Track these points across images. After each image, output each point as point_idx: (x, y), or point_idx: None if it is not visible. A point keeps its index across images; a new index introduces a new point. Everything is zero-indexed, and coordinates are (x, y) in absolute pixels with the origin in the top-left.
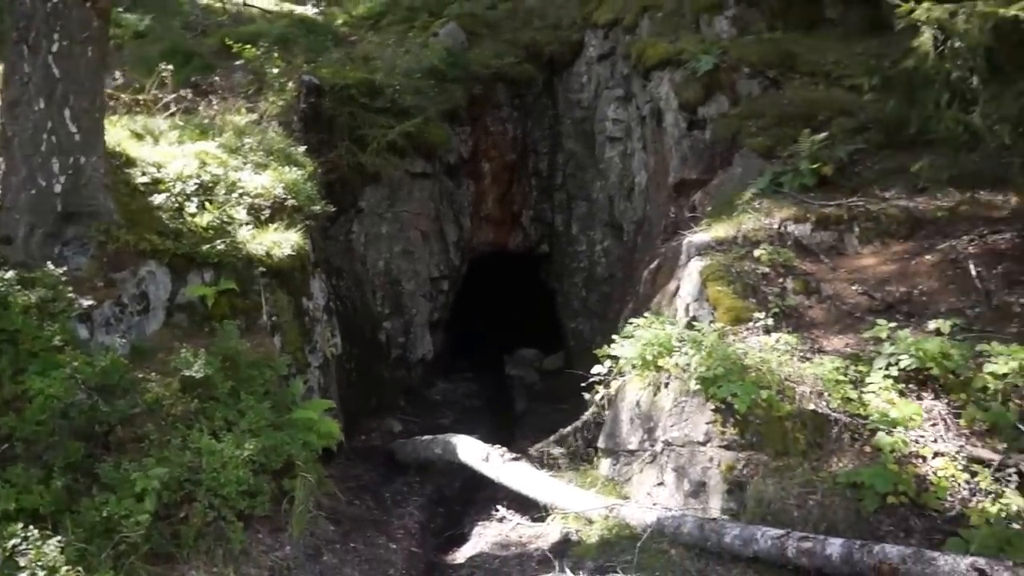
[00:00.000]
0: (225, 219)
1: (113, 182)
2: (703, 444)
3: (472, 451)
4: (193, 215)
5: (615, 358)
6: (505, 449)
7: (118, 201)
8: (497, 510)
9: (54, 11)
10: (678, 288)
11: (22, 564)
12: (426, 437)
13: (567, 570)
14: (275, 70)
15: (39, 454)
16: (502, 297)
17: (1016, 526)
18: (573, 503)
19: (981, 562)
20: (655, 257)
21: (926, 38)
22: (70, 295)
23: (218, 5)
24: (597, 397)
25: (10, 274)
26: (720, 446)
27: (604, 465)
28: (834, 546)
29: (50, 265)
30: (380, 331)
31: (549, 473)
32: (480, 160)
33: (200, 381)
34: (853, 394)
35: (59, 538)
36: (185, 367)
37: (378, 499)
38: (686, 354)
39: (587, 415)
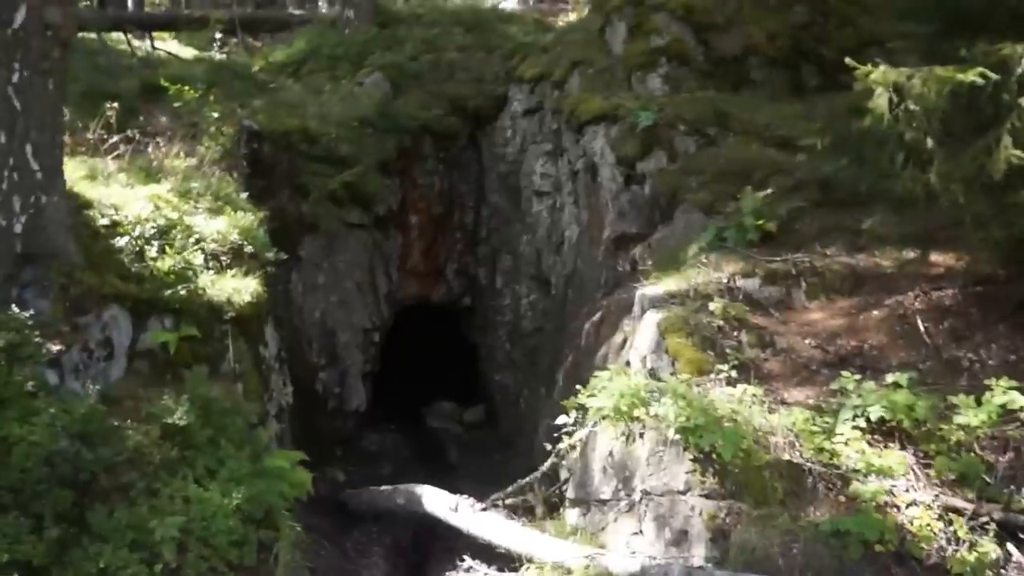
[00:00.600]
0: (184, 264)
1: (74, 223)
2: (683, 493)
3: (439, 501)
4: (154, 259)
5: (583, 409)
6: (474, 499)
7: (80, 243)
8: (463, 560)
9: (14, 39)
10: (626, 340)
11: None
12: (384, 487)
13: None
14: (214, 114)
15: (25, 503)
16: (418, 349)
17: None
18: (550, 553)
19: None
20: (595, 310)
21: (882, 100)
22: (37, 340)
23: (123, 47)
24: (562, 447)
25: None
26: (701, 495)
27: (572, 515)
28: None
29: (15, 308)
30: (317, 381)
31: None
32: (408, 212)
33: (180, 429)
34: (826, 444)
35: None
36: (167, 415)
37: (340, 549)
38: (663, 404)
39: (546, 466)
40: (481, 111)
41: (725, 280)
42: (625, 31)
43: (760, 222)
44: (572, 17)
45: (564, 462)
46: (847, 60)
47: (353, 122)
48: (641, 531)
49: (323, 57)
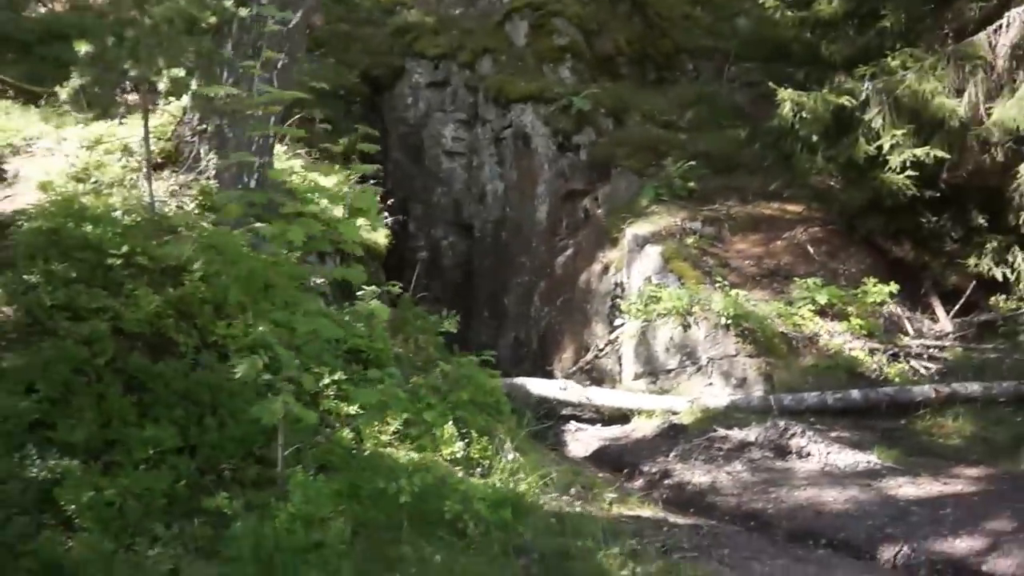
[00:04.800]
0: None
1: None
2: (735, 356)
3: (546, 386)
4: None
5: (632, 311)
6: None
7: None
8: (569, 424)
9: (287, 33)
10: (607, 267)
11: None
12: None
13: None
14: None
15: None
16: None
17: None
18: (656, 404)
19: (940, 387)
20: (563, 248)
21: (787, 110)
22: None
23: None
24: (621, 337)
25: None
26: (746, 356)
27: (639, 384)
28: (854, 393)
29: None
30: None
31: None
32: None
33: None
34: (796, 320)
35: None
36: None
37: None
38: (716, 302)
39: (590, 356)
40: (381, 79)
41: (679, 223)
42: (527, 28)
43: (689, 183)
44: None
45: (619, 349)
46: (772, 84)
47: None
48: (712, 383)
49: None
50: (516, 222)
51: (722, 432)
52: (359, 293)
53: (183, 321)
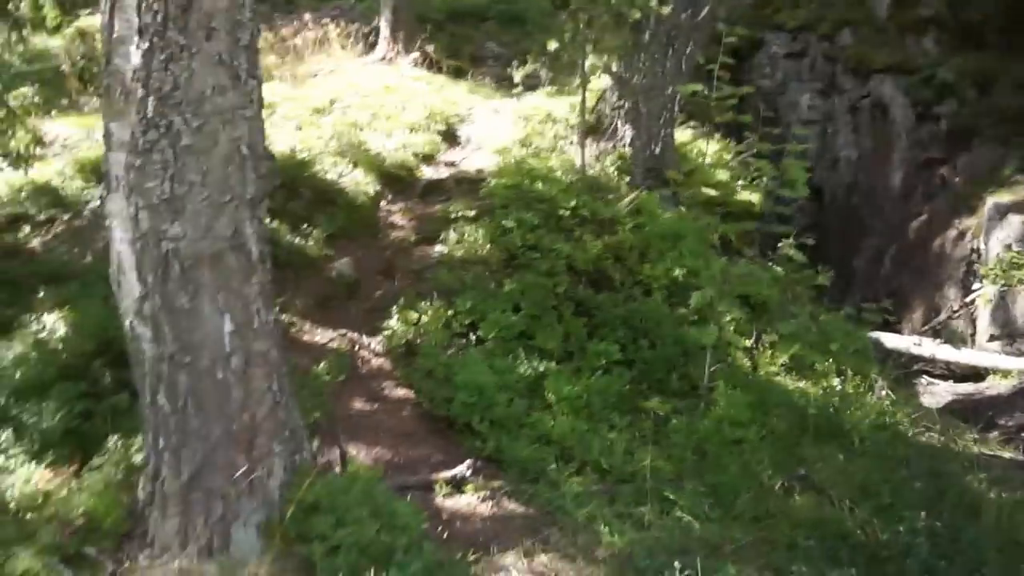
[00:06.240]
0: None
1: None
2: None
3: (900, 341)
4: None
5: (991, 276)
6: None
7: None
8: (921, 378)
9: (695, 25)
10: (962, 234)
11: None
12: None
13: None
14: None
15: None
16: None
17: None
18: (1013, 364)
19: None
20: (916, 214)
21: None
22: None
23: None
24: (979, 300)
25: None
26: None
27: (995, 345)
28: None
29: None
30: None
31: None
32: None
33: None
34: None
35: None
36: None
37: None
38: None
39: (943, 316)
40: (740, 50)
41: None
42: (890, 0)
43: None
44: None
45: (974, 312)
46: None
47: None
48: None
49: None
50: (868, 188)
51: None
52: (779, 244)
53: (617, 263)
